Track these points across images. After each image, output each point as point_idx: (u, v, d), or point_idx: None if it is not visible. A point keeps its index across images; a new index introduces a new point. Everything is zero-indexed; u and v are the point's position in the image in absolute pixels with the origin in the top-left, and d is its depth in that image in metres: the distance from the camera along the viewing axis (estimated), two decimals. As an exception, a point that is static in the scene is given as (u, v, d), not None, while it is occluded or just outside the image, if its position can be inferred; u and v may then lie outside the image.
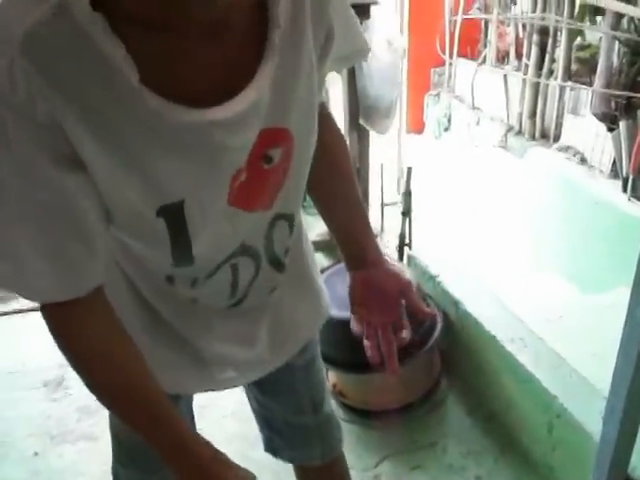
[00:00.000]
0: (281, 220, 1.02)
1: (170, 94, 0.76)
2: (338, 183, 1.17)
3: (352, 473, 1.54)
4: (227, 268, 1.01)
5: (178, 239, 0.88)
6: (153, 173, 0.80)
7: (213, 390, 1.19)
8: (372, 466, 2.16)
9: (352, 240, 1.18)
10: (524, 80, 4.54)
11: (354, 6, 1.02)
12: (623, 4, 3.63)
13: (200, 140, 0.80)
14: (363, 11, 2.58)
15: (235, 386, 1.25)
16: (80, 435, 2.40)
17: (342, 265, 1.24)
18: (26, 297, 0.84)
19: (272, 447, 1.43)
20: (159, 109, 0.75)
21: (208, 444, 0.95)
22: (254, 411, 1.42)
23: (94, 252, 0.83)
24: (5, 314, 3.05)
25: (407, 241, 2.80)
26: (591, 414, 1.80)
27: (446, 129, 5.27)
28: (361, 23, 1.08)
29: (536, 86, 4.47)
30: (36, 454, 2.31)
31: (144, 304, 1.06)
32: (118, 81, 0.73)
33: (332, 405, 1.44)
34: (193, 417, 1.32)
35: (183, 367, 1.11)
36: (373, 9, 2.69)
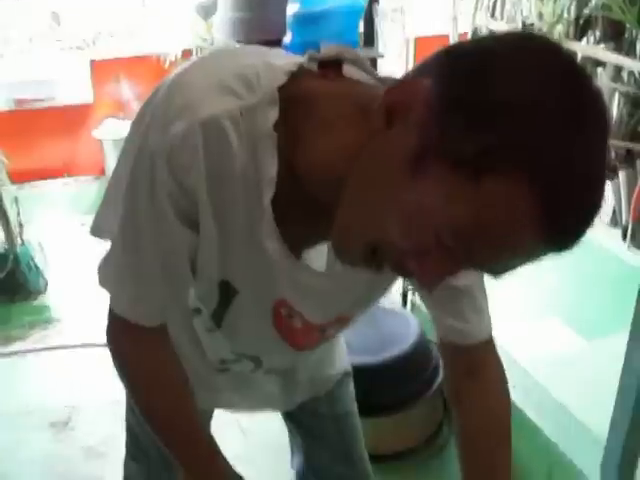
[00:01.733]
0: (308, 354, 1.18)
1: (281, 229, 0.85)
2: (490, 451, 1.11)
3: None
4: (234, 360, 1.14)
5: (221, 307, 0.99)
6: (233, 259, 0.89)
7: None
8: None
9: None
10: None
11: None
12: (622, 57, 3.72)
13: (275, 263, 0.88)
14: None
15: (247, 411, 1.46)
16: (86, 475, 2.42)
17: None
18: (113, 306, 0.95)
19: None
20: (269, 233, 0.84)
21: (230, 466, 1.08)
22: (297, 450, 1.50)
23: (179, 297, 0.96)
24: (6, 355, 3.06)
25: (411, 287, 2.82)
26: (590, 462, 1.82)
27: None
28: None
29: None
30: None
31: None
32: (254, 192, 0.81)
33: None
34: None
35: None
36: (380, 62, 2.78)
